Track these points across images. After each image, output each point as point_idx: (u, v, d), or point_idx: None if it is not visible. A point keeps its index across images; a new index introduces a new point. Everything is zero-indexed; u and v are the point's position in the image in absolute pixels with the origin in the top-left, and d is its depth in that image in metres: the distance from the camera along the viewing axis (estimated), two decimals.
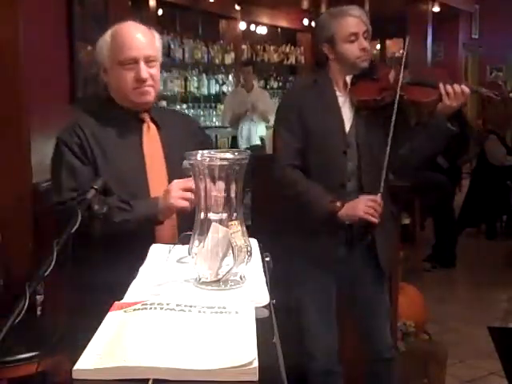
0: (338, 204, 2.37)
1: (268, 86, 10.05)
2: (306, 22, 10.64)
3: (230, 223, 1.25)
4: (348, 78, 2.48)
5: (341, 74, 2.47)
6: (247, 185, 1.71)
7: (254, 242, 1.40)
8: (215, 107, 8.80)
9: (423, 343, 3.53)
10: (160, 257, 1.48)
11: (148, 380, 0.91)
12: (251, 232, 1.33)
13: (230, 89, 8.95)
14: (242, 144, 7.02)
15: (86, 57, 3.44)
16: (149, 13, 6.88)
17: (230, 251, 1.23)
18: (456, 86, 2.33)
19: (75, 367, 0.93)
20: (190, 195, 1.78)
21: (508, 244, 6.59)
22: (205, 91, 8.77)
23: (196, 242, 1.26)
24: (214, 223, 1.24)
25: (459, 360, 3.84)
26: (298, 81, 5.78)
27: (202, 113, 8.53)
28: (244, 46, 9.64)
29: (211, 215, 1.25)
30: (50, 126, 2.96)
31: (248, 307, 1.13)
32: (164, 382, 0.91)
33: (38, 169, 2.85)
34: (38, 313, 2.72)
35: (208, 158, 1.24)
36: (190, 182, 1.69)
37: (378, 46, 12.48)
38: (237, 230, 1.25)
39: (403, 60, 2.52)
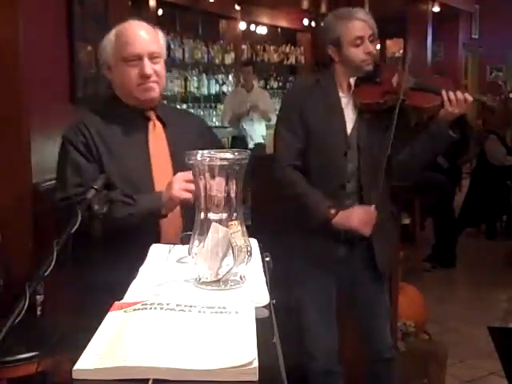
0: (333, 211, 2.39)
1: (268, 86, 10.05)
2: (306, 21, 10.65)
3: (229, 223, 1.25)
4: (352, 80, 2.48)
5: (345, 75, 2.48)
6: (247, 185, 1.71)
7: (254, 242, 1.40)
8: (215, 107, 8.80)
9: (423, 343, 3.53)
10: (160, 257, 1.48)
11: (148, 380, 0.91)
12: (251, 232, 1.33)
13: (230, 89, 8.95)
14: (250, 143, 7.04)
15: (86, 57, 3.44)
16: (149, 13, 6.88)
17: (230, 251, 1.23)
18: (459, 94, 2.34)
19: (75, 367, 0.93)
20: (193, 187, 1.78)
21: (508, 244, 6.59)
22: (205, 91, 8.77)
23: (196, 242, 1.26)
24: (213, 223, 1.24)
25: (459, 360, 3.84)
26: (299, 81, 5.79)
27: (201, 113, 8.52)
28: (244, 46, 9.64)
29: (211, 215, 1.25)
30: (50, 126, 2.97)
31: (248, 307, 1.13)
32: (164, 382, 0.91)
33: (37, 169, 2.84)
34: (38, 313, 2.71)
35: (208, 158, 1.24)
36: None
37: (378, 46, 12.46)
38: (237, 229, 1.25)
39: (406, 65, 2.51)
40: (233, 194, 1.25)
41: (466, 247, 6.36)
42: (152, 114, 2.04)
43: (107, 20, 3.62)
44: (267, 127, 7.30)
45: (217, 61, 8.98)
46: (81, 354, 0.95)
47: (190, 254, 1.27)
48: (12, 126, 2.80)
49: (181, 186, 1.80)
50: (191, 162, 1.26)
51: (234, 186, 1.25)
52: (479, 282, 5.58)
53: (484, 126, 7.36)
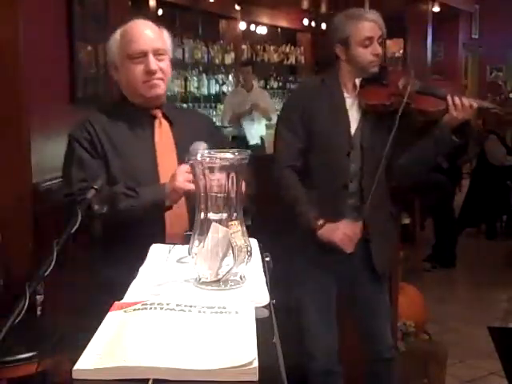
0: (320, 223, 2.41)
1: (268, 86, 10.06)
2: (306, 21, 10.66)
3: (230, 223, 1.25)
4: (357, 81, 2.48)
5: (350, 75, 2.48)
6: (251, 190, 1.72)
7: (254, 242, 1.40)
8: (215, 107, 8.80)
9: (423, 343, 3.53)
10: (160, 257, 1.48)
11: (148, 380, 0.91)
12: (251, 232, 1.33)
13: (229, 89, 8.95)
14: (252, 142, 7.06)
15: (86, 57, 3.44)
16: (149, 13, 6.88)
17: (230, 251, 1.23)
18: (464, 99, 2.35)
19: (75, 367, 0.93)
20: None
21: (508, 244, 6.59)
22: (205, 91, 8.77)
23: (196, 242, 1.26)
24: (213, 223, 1.24)
25: (459, 360, 3.84)
26: (304, 81, 5.79)
27: None
28: (244, 46, 9.64)
29: (211, 215, 1.25)
30: (50, 126, 2.97)
31: (248, 307, 1.12)
32: (164, 382, 0.91)
33: (37, 169, 2.84)
34: (38, 313, 2.71)
35: (208, 158, 1.24)
36: None
37: None
38: (237, 229, 1.25)
39: (412, 70, 2.52)
40: (233, 194, 1.25)
41: (466, 247, 6.36)
42: (158, 112, 2.04)
43: (107, 20, 3.62)
44: (267, 127, 7.30)
45: (217, 61, 8.98)
46: (81, 354, 0.95)
47: (189, 254, 1.27)
48: (12, 125, 2.80)
49: (184, 177, 1.81)
50: (191, 162, 1.26)
51: (234, 186, 1.25)
52: (479, 282, 5.58)
53: (484, 126, 7.36)
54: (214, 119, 8.52)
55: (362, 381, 2.71)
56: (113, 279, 1.43)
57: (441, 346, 3.60)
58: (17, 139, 2.81)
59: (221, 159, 1.24)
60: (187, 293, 1.22)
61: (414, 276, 4.82)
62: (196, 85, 8.60)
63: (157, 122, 2.04)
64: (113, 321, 1.07)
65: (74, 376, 0.92)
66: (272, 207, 2.55)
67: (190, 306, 1.11)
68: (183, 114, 2.20)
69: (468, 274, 5.99)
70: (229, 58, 9.15)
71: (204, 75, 8.81)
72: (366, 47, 2.41)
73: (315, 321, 2.57)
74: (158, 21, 2.08)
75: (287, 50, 10.81)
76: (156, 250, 1.53)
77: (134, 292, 1.23)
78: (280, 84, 10.60)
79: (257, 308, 1.14)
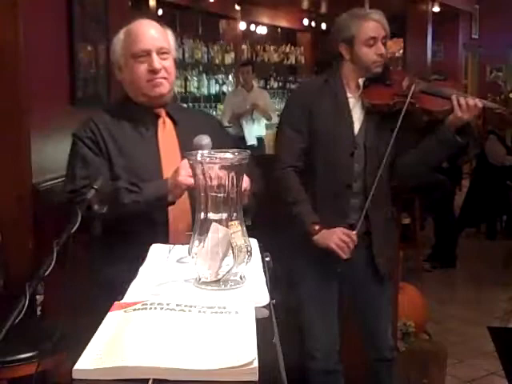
0: (316, 228, 2.41)
1: (268, 86, 10.06)
2: (306, 22, 10.66)
3: (230, 223, 1.25)
4: (360, 81, 2.48)
5: (354, 75, 2.48)
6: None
7: (254, 242, 1.40)
8: (215, 107, 8.80)
9: (423, 343, 3.53)
10: (160, 257, 1.48)
11: (148, 380, 0.91)
12: (251, 232, 1.33)
13: (229, 89, 8.95)
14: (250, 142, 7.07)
15: (86, 57, 3.44)
16: (149, 13, 6.89)
17: (230, 251, 1.23)
18: (469, 99, 2.34)
19: (75, 367, 0.93)
20: None
21: (508, 244, 6.58)
22: (205, 91, 8.77)
23: (196, 242, 1.26)
24: (213, 223, 1.24)
25: (459, 360, 3.84)
26: (306, 81, 5.77)
27: None
28: (244, 46, 9.65)
29: (211, 215, 1.25)
30: (50, 126, 2.97)
31: (248, 307, 1.12)
32: (164, 382, 0.91)
33: (37, 169, 2.84)
34: (38, 313, 2.71)
35: (208, 158, 1.24)
36: None
37: None
38: (237, 229, 1.25)
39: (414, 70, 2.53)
40: (233, 194, 1.25)
41: (466, 247, 6.36)
42: (162, 112, 2.05)
43: (107, 20, 3.62)
44: (267, 127, 7.30)
45: (217, 61, 8.98)
46: (81, 354, 0.95)
47: (189, 254, 1.27)
48: (12, 126, 2.80)
49: (187, 171, 1.80)
50: (191, 162, 1.26)
51: (234, 186, 1.25)
52: (479, 282, 5.58)
53: (484, 126, 7.36)
54: None
55: (362, 381, 2.71)
56: (113, 279, 1.43)
57: (441, 345, 3.60)
58: (17, 139, 2.81)
59: (221, 159, 1.24)
60: (187, 293, 1.22)
61: (414, 276, 4.83)
62: (196, 85, 8.60)
63: (160, 122, 2.04)
64: (113, 321, 1.07)
65: (74, 376, 0.92)
66: (272, 207, 2.55)
67: (190, 306, 1.11)
68: (188, 114, 2.20)
69: (468, 274, 5.99)
70: (229, 58, 9.15)
71: (204, 75, 8.81)
72: (370, 47, 2.41)
73: (315, 321, 2.56)
74: (158, 21, 2.08)
75: (287, 50, 10.81)
76: (156, 250, 1.53)
77: (133, 292, 1.23)
78: (280, 84, 10.61)
79: (257, 308, 1.14)
